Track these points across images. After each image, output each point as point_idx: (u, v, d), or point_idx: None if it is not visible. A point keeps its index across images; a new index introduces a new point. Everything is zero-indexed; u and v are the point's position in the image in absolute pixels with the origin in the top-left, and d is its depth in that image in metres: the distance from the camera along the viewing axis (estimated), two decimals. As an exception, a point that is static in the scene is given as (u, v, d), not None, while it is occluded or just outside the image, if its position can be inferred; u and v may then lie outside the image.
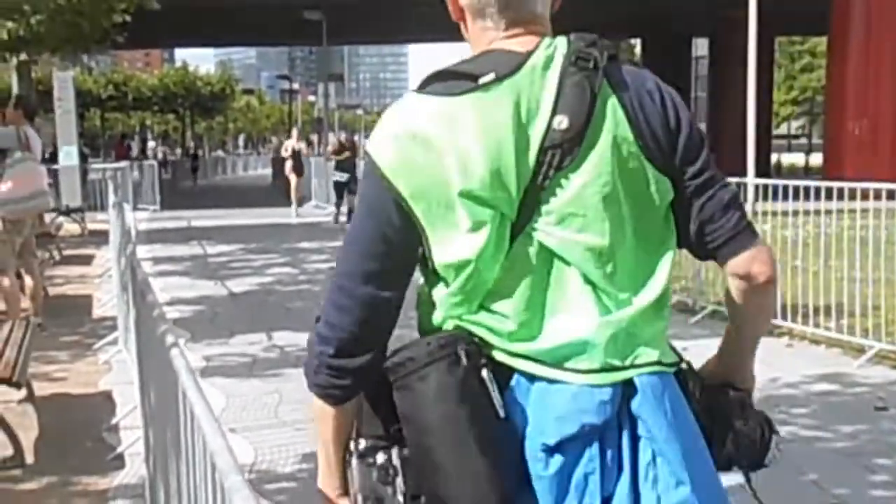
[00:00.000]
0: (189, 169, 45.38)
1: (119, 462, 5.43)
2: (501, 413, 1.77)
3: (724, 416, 2.01)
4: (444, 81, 1.85)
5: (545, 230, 1.81)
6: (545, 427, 1.78)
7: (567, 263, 1.82)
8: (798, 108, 76.72)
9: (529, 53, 1.84)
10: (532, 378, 1.81)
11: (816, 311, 8.36)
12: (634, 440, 1.81)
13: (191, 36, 49.63)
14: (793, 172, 47.12)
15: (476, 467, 1.75)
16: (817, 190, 8.73)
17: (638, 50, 62.17)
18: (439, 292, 1.87)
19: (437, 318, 1.89)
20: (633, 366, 1.83)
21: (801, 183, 9.52)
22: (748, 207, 10.88)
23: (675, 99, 1.92)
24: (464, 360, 1.77)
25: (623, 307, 1.84)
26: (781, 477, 5.05)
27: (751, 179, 12.20)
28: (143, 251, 14.83)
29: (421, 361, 1.79)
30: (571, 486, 1.78)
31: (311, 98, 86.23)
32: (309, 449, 5.16)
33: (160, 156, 52.72)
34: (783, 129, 74.67)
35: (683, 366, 1.96)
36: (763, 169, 30.23)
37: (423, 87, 1.87)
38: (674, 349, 1.95)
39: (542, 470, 1.78)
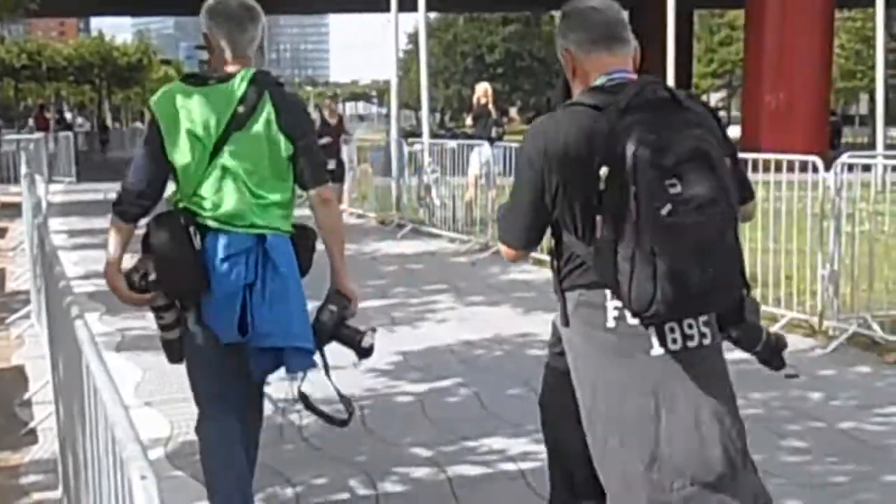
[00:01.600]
0: (100, 141, 44.63)
1: (31, 437, 5.37)
2: (197, 247, 3.58)
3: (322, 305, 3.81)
4: (193, 78, 3.78)
5: (226, 159, 3.62)
6: (221, 251, 3.58)
7: (235, 176, 3.62)
8: (718, 81, 77.72)
9: (236, 73, 3.65)
10: (217, 230, 3.60)
11: (731, 280, 8.47)
12: (266, 261, 3.61)
13: (107, 4, 48.66)
14: (711, 145, 47.69)
15: (181, 268, 3.57)
16: (733, 161, 8.81)
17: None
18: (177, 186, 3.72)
19: (175, 201, 3.69)
20: (266, 227, 3.64)
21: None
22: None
23: (301, 106, 3.93)
24: (181, 221, 3.60)
25: (261, 199, 3.64)
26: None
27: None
28: (59, 224, 14.59)
29: (161, 219, 3.63)
30: (231, 278, 3.57)
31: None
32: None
33: (86, 126, 51.54)
34: (702, 102, 75.44)
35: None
36: (682, 141, 30.60)
37: (183, 79, 3.78)
38: (296, 227, 3.78)
39: (219, 268, 3.58)
